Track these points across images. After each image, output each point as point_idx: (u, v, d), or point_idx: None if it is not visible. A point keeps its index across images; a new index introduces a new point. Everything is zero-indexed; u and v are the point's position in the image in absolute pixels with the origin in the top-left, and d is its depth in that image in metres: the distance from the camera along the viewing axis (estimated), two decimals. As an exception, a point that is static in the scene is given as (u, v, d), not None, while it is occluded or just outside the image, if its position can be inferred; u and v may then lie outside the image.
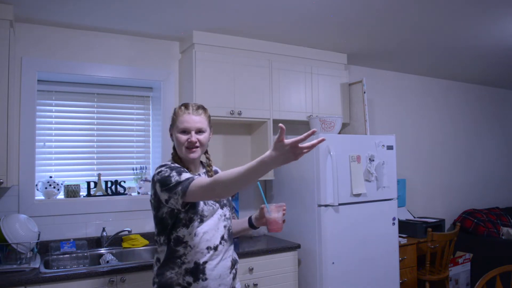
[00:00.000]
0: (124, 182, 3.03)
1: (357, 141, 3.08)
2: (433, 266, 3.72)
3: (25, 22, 2.71)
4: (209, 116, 1.82)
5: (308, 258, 2.96)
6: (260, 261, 2.73)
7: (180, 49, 3.24)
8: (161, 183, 1.60)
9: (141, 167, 3.19)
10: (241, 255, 2.67)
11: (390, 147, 3.23)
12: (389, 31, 3.15)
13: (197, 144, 1.71)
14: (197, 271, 1.64)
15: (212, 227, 1.69)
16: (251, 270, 2.69)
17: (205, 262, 1.66)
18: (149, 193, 1.72)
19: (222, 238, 1.73)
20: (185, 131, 1.72)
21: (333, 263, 2.87)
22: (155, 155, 3.22)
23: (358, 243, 2.99)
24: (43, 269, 2.23)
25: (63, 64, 2.81)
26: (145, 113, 3.27)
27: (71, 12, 2.59)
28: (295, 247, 2.90)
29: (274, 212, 1.81)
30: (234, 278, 1.78)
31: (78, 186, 2.87)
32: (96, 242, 2.82)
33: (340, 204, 2.90)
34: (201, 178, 1.55)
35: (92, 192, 2.91)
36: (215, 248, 1.68)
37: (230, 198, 1.84)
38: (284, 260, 2.83)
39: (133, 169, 3.17)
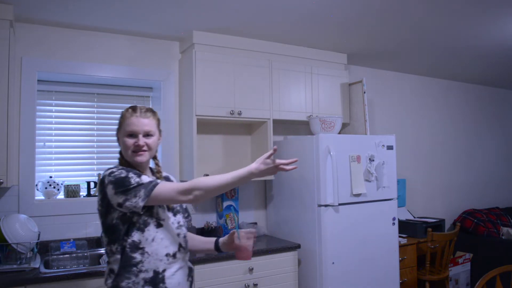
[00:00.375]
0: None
1: (357, 141, 3.08)
2: (433, 266, 3.72)
3: (25, 22, 2.71)
4: (158, 120, 1.73)
5: (308, 258, 2.96)
6: (260, 261, 2.73)
7: (180, 49, 3.24)
8: (117, 184, 1.50)
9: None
10: (241, 255, 2.68)
11: (390, 147, 3.22)
12: (389, 31, 3.15)
13: (145, 148, 1.63)
14: (157, 280, 1.53)
15: (169, 234, 1.60)
16: (251, 270, 2.69)
17: (164, 270, 1.56)
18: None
19: (180, 245, 1.64)
20: (132, 135, 1.63)
21: (333, 263, 2.87)
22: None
23: (358, 243, 2.99)
24: (43, 269, 2.23)
25: (63, 64, 2.81)
26: (145, 113, 3.27)
27: (71, 12, 2.59)
28: (295, 247, 2.90)
29: (244, 238, 1.73)
30: (190, 286, 1.70)
31: (78, 186, 2.87)
32: (96, 242, 2.82)
33: (340, 204, 2.90)
34: (170, 183, 1.56)
35: (92, 192, 2.91)
36: (174, 256, 1.60)
37: (183, 205, 1.74)
38: (284, 260, 2.83)
39: (133, 169, 3.16)
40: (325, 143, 2.90)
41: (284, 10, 2.69)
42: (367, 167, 3.08)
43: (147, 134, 1.66)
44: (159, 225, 1.58)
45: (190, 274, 1.70)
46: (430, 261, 3.64)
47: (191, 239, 1.81)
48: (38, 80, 2.77)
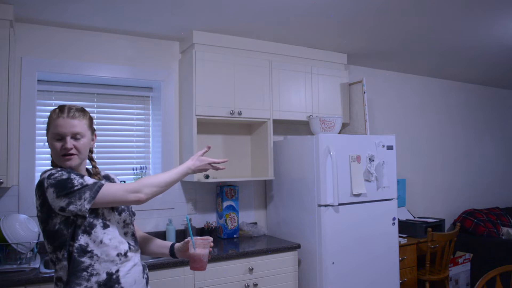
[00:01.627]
0: (124, 182, 3.03)
1: (357, 141, 3.08)
2: (433, 266, 3.72)
3: (25, 22, 2.71)
4: (90, 119, 1.62)
5: (308, 258, 2.96)
6: (260, 261, 2.73)
7: (180, 49, 3.24)
8: (59, 187, 1.41)
9: (141, 167, 3.19)
10: (241, 255, 2.68)
11: (390, 147, 3.23)
12: (389, 31, 3.15)
13: (73, 151, 1.51)
14: (111, 281, 1.47)
15: (117, 234, 1.54)
16: (251, 270, 2.69)
17: (118, 270, 1.50)
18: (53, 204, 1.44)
19: (129, 244, 1.57)
20: (60, 137, 1.51)
21: (333, 263, 2.87)
22: (155, 155, 3.22)
23: (358, 243, 2.99)
24: (43, 269, 2.23)
25: (63, 64, 2.81)
26: (145, 113, 3.27)
27: (71, 12, 2.59)
28: (295, 247, 2.90)
29: (200, 247, 1.61)
30: (147, 283, 1.64)
31: (78, 186, 2.87)
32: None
33: (340, 204, 2.90)
34: (117, 183, 1.54)
35: (92, 192, 2.90)
36: (125, 255, 1.53)
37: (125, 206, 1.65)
38: (284, 260, 2.83)
39: (133, 169, 3.17)
40: (325, 143, 2.90)
41: (284, 10, 2.69)
42: (367, 167, 3.08)
43: (75, 136, 1.53)
44: (105, 225, 1.50)
45: (144, 271, 1.64)
46: (430, 261, 3.64)
47: (147, 241, 1.77)
48: (38, 80, 2.77)
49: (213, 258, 2.55)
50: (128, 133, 3.21)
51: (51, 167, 1.56)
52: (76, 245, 1.45)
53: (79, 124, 1.54)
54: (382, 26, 3.04)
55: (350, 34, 3.19)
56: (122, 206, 1.60)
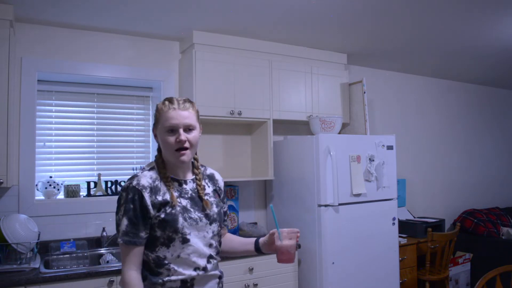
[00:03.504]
0: (124, 182, 3.03)
1: (357, 141, 3.08)
2: (433, 266, 3.72)
3: (25, 22, 2.71)
4: (198, 111, 1.56)
5: (308, 258, 2.96)
6: (260, 261, 2.73)
7: (180, 49, 3.24)
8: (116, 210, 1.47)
9: (141, 167, 3.19)
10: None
11: (390, 147, 3.23)
12: (389, 31, 3.15)
13: (187, 144, 1.46)
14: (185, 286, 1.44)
15: (198, 247, 1.46)
16: (251, 270, 2.69)
17: (193, 279, 1.45)
18: None
19: (210, 257, 1.50)
20: (173, 130, 1.45)
21: (333, 263, 2.87)
22: (155, 155, 3.22)
23: (358, 243, 2.99)
24: (43, 269, 2.23)
25: (63, 64, 2.81)
26: (145, 113, 3.27)
27: (71, 12, 2.59)
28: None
29: (286, 239, 1.54)
30: None
31: (78, 186, 2.87)
32: (96, 242, 2.82)
33: (340, 204, 2.90)
34: (123, 254, 1.42)
35: (92, 192, 2.91)
36: (204, 269, 1.47)
37: (221, 211, 1.58)
38: (284, 260, 2.83)
39: (133, 169, 3.17)
40: (325, 143, 2.90)
41: (284, 10, 2.69)
42: (367, 167, 3.08)
43: (188, 128, 1.47)
44: (185, 240, 1.43)
45: (220, 279, 1.56)
46: (430, 261, 3.63)
47: (229, 241, 1.71)
48: (38, 80, 2.77)
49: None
50: (128, 133, 3.21)
51: (142, 170, 1.53)
52: (154, 255, 1.44)
53: (190, 116, 1.48)
54: (382, 26, 3.04)
55: (350, 34, 3.19)
56: (214, 215, 1.52)
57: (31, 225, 2.41)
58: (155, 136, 1.53)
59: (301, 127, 3.71)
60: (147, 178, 1.47)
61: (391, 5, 2.65)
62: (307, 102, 3.41)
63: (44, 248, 2.61)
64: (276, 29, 3.04)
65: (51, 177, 2.84)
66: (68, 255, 2.55)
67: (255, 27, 2.99)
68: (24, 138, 2.67)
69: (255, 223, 3.39)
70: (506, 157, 5.48)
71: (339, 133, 3.33)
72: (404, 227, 3.86)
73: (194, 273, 1.44)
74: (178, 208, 1.44)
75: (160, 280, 1.41)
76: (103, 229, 2.81)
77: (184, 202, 1.48)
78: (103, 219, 2.88)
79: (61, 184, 2.84)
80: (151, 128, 3.22)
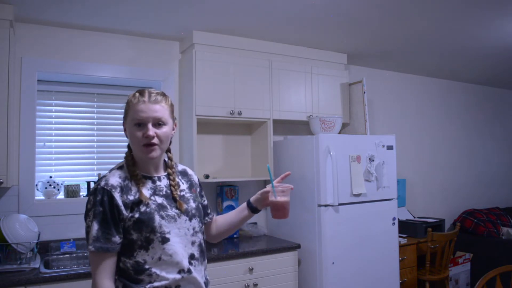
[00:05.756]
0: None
1: (357, 141, 3.08)
2: (433, 266, 3.72)
3: (25, 22, 2.71)
4: (172, 105, 1.45)
5: (308, 258, 2.96)
6: (260, 261, 2.73)
7: (180, 49, 3.24)
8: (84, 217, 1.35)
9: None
10: (241, 255, 2.68)
11: (390, 147, 3.23)
12: (389, 31, 3.15)
13: (155, 140, 1.36)
14: None
15: (180, 246, 1.36)
16: (251, 270, 2.69)
17: (178, 285, 1.35)
18: None
19: (192, 257, 1.39)
20: (141, 124, 1.36)
21: (333, 263, 2.87)
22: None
23: (358, 243, 2.99)
24: (43, 269, 2.23)
25: (63, 64, 2.81)
26: (145, 113, 3.27)
27: (71, 12, 2.59)
28: (295, 247, 2.90)
29: (281, 195, 1.53)
30: None
31: (78, 186, 2.87)
32: (96, 242, 2.81)
33: (340, 204, 2.90)
34: (92, 264, 1.31)
35: (92, 192, 2.91)
36: (189, 271, 1.37)
37: (199, 206, 1.50)
38: (284, 260, 2.83)
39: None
40: (325, 143, 2.90)
41: (284, 10, 2.69)
42: (367, 167, 3.08)
43: (158, 123, 1.38)
44: (164, 240, 1.34)
45: (207, 286, 1.47)
46: (430, 261, 3.63)
47: (223, 220, 1.64)
48: (38, 80, 2.77)
49: (213, 258, 2.55)
50: (128, 133, 3.21)
51: (110, 170, 1.42)
52: (132, 261, 1.33)
53: (161, 110, 1.38)
54: (382, 26, 3.04)
55: (350, 34, 3.19)
56: (193, 211, 1.44)
57: (31, 225, 2.41)
58: (125, 130, 1.42)
59: (301, 127, 3.71)
60: (115, 178, 1.36)
61: (391, 5, 2.65)
62: (307, 102, 3.41)
63: (44, 248, 2.61)
64: (276, 29, 3.04)
65: (51, 177, 2.84)
66: (68, 255, 2.55)
67: (255, 27, 2.99)
68: (24, 138, 2.67)
69: (255, 223, 3.39)
70: (506, 157, 5.48)
71: (339, 133, 3.33)
72: (404, 227, 3.86)
73: (178, 276, 1.34)
74: (153, 206, 1.35)
75: None
76: (103, 229, 2.80)
77: (159, 199, 1.38)
78: (103, 219, 2.88)
79: (61, 184, 2.84)
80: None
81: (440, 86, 4.85)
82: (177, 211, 1.39)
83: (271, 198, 1.53)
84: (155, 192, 1.40)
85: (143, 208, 1.33)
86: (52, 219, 2.74)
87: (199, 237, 1.45)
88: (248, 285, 2.67)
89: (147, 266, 1.32)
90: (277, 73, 3.27)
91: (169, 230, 1.35)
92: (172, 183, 1.45)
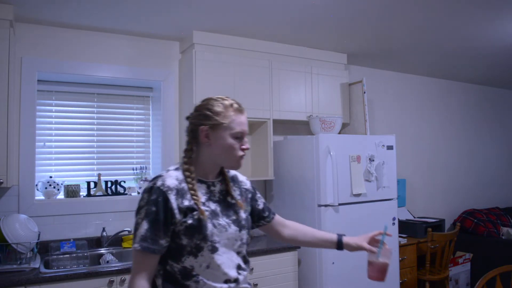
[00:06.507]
0: (124, 182, 3.03)
1: (357, 141, 3.08)
2: (433, 266, 3.72)
3: (25, 22, 2.71)
4: None
5: (308, 258, 2.96)
6: (260, 261, 2.73)
7: (180, 49, 3.24)
8: (135, 213, 1.34)
9: (141, 167, 3.19)
10: (241, 255, 2.68)
11: (390, 147, 3.22)
12: (389, 31, 3.15)
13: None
14: None
15: (228, 257, 1.36)
16: (251, 270, 2.69)
17: None
18: None
19: (239, 268, 1.39)
20: (239, 137, 1.39)
21: (333, 263, 2.87)
22: (155, 155, 3.22)
23: (358, 243, 2.99)
24: (43, 269, 2.23)
25: (63, 64, 2.81)
26: (145, 113, 3.27)
27: (71, 12, 2.59)
28: (295, 247, 2.90)
29: (384, 256, 1.46)
30: None
31: (78, 186, 2.87)
32: (96, 242, 2.82)
33: (340, 204, 2.90)
34: (134, 259, 1.30)
35: (92, 192, 2.91)
36: (236, 281, 1.37)
37: (248, 217, 1.49)
38: (284, 260, 2.83)
39: (133, 169, 3.16)
40: (325, 143, 2.90)
41: (284, 10, 2.69)
42: (367, 167, 3.08)
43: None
44: (214, 249, 1.32)
45: None
46: (430, 261, 3.63)
47: (303, 233, 1.65)
48: (38, 80, 2.77)
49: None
50: (128, 133, 3.21)
51: (155, 183, 1.34)
52: (180, 266, 1.32)
53: None
54: (382, 26, 3.04)
55: (350, 34, 3.19)
56: (243, 222, 1.43)
57: (31, 225, 2.41)
58: (206, 135, 1.38)
59: (301, 127, 3.71)
60: (172, 179, 1.34)
61: (391, 5, 2.65)
62: (307, 102, 3.41)
63: (44, 248, 2.60)
64: (276, 29, 3.04)
65: (51, 177, 2.84)
66: (68, 255, 2.54)
67: (255, 27, 2.99)
68: (24, 138, 2.67)
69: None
70: (506, 157, 5.48)
71: (339, 133, 3.33)
72: (404, 227, 3.86)
73: (225, 286, 1.34)
74: (206, 213, 1.33)
75: None
76: (103, 229, 2.81)
77: (212, 205, 1.38)
78: (103, 219, 2.88)
79: (61, 184, 2.84)
80: (150, 126, 3.20)
81: (440, 86, 4.85)
82: (228, 220, 1.38)
83: (372, 257, 1.49)
84: (209, 197, 1.40)
85: (196, 215, 1.32)
86: (52, 219, 2.74)
87: (245, 248, 1.45)
88: (248, 285, 2.67)
89: (194, 273, 1.31)
90: (277, 73, 3.27)
91: (219, 240, 1.34)
92: (228, 185, 1.47)
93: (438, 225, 3.97)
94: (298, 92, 3.37)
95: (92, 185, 2.92)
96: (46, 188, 2.76)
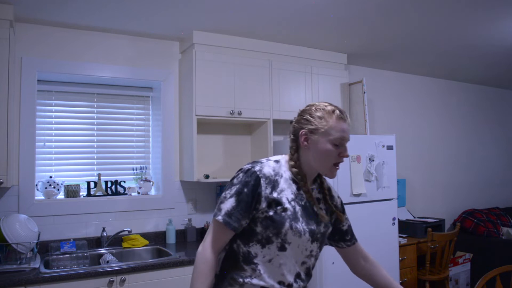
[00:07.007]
0: (124, 182, 3.03)
1: (357, 141, 3.08)
2: (433, 266, 3.72)
3: (25, 22, 2.71)
4: None
5: (308, 258, 2.96)
6: (260, 261, 2.73)
7: (180, 49, 3.24)
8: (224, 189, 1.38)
9: (141, 167, 3.19)
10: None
11: (390, 147, 3.22)
12: (389, 31, 3.15)
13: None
14: None
15: (291, 260, 1.36)
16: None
17: None
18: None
19: (298, 276, 1.38)
20: (339, 144, 1.38)
21: (333, 263, 2.87)
22: (155, 155, 3.22)
23: (358, 243, 2.99)
24: (43, 269, 2.23)
25: (63, 64, 2.81)
26: (145, 113, 3.27)
27: (71, 12, 2.59)
28: (295, 247, 2.90)
29: None
30: None
31: (78, 186, 2.87)
32: (96, 242, 2.82)
33: (340, 204, 2.90)
34: (210, 231, 1.36)
35: (92, 192, 2.91)
36: (289, 286, 1.35)
37: (326, 233, 1.48)
38: (284, 260, 2.83)
39: (133, 169, 3.17)
40: (325, 143, 2.89)
41: (284, 10, 2.69)
42: (367, 167, 3.08)
43: None
44: (282, 247, 1.33)
45: None
46: (430, 261, 3.63)
47: (381, 278, 1.66)
48: (38, 80, 2.77)
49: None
50: (128, 133, 3.21)
51: (260, 164, 1.39)
52: (245, 249, 1.35)
53: None
54: (382, 26, 3.04)
55: (350, 34, 3.19)
56: (318, 235, 1.42)
57: (31, 225, 2.41)
58: (305, 138, 1.40)
59: (301, 127, 3.70)
60: (270, 169, 1.38)
61: (391, 5, 2.65)
62: (307, 102, 3.41)
63: (44, 248, 2.61)
64: (276, 29, 3.04)
65: (51, 177, 2.84)
66: (68, 255, 2.55)
67: (255, 27, 2.99)
68: (24, 138, 2.67)
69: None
70: (506, 157, 5.48)
71: (339, 133, 3.33)
72: (404, 227, 3.86)
73: (277, 286, 1.33)
74: (289, 213, 1.34)
75: (241, 280, 1.32)
76: (103, 229, 2.81)
77: (297, 207, 1.37)
78: (103, 219, 2.88)
79: (61, 184, 2.84)
80: (150, 126, 3.19)
81: (440, 86, 4.85)
82: (305, 227, 1.37)
83: None
84: (296, 197, 1.39)
85: (280, 210, 1.34)
86: (52, 219, 2.74)
87: (312, 261, 1.44)
88: (248, 285, 2.67)
89: (256, 261, 1.33)
90: (277, 73, 3.27)
91: (290, 241, 1.34)
92: (325, 192, 1.51)
93: (438, 225, 3.97)
94: (298, 92, 3.37)
95: (92, 185, 2.92)
96: (46, 188, 2.76)
